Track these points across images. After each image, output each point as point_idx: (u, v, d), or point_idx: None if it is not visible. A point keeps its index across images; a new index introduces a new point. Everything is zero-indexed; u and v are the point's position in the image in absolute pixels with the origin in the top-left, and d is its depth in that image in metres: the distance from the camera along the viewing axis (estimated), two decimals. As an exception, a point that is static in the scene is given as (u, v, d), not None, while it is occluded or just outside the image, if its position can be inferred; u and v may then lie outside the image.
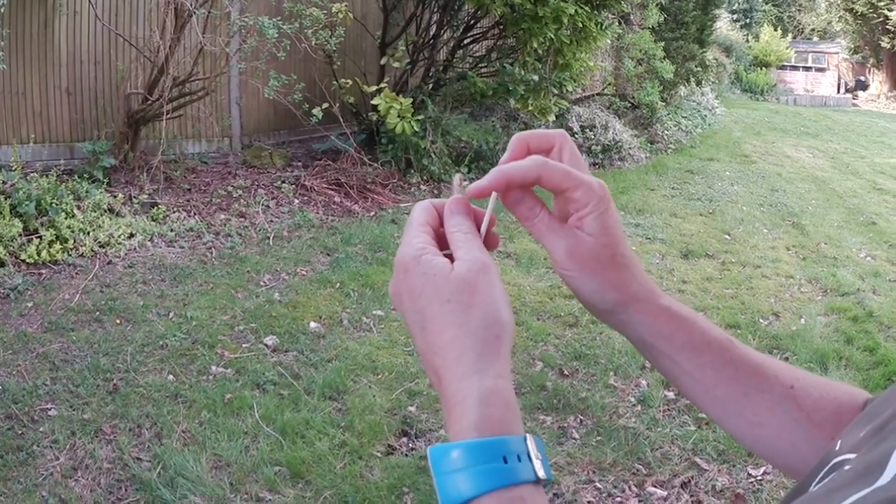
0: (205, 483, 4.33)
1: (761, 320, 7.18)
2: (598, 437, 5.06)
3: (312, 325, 6.43)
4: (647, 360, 1.04)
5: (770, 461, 1.02)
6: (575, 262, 0.95)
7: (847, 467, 0.74)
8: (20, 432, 4.65)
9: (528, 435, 0.79)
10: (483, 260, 0.86)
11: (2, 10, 7.55)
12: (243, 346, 6.00)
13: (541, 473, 0.77)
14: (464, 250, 0.87)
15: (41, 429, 4.69)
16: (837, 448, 0.81)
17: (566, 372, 5.95)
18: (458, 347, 0.81)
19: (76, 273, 6.96)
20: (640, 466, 4.79)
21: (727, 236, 9.88)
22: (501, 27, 11.61)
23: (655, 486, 4.61)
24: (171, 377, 5.43)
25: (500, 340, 0.82)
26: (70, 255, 7.17)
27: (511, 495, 0.75)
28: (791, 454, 0.96)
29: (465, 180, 0.95)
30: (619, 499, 4.51)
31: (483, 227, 0.92)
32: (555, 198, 0.98)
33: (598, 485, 4.59)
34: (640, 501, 4.49)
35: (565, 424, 5.21)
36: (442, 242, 0.89)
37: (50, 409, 4.91)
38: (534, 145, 0.98)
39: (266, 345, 6.03)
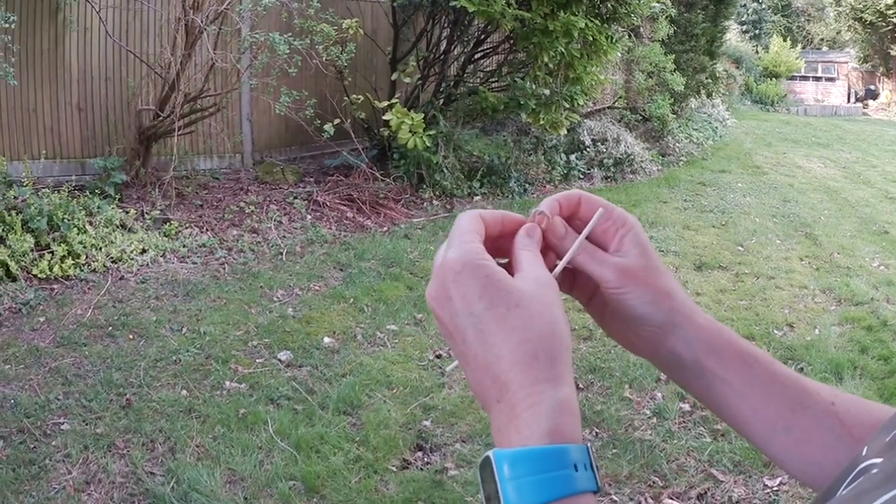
0: (219, 497, 4.31)
1: (776, 331, 7.13)
2: (614, 450, 5.03)
3: (326, 340, 6.40)
4: (690, 388, 1.01)
5: (814, 483, 0.97)
6: (627, 278, 0.94)
7: (875, 471, 0.73)
8: (32, 446, 4.63)
9: (589, 445, 0.79)
10: (549, 277, 0.86)
11: (12, 26, 7.56)
12: (257, 361, 5.98)
13: (600, 483, 0.77)
14: (532, 265, 0.87)
15: (54, 443, 4.68)
16: (864, 454, 0.79)
17: (581, 385, 5.92)
18: (529, 352, 0.79)
19: (88, 288, 6.96)
20: (657, 478, 4.75)
21: (740, 248, 9.83)
22: (512, 42, 11.59)
23: (672, 498, 4.57)
24: (184, 392, 5.41)
25: (568, 350, 0.81)
26: (82, 271, 7.18)
27: (579, 503, 0.74)
28: (836, 472, 0.93)
29: (541, 214, 0.96)
30: (636, 511, 4.48)
31: (561, 264, 0.94)
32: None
33: (614, 497, 4.56)
34: (657, 513, 4.46)
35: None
36: (491, 254, 0.87)
37: (62, 424, 4.89)
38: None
39: (280, 360, 6.01)
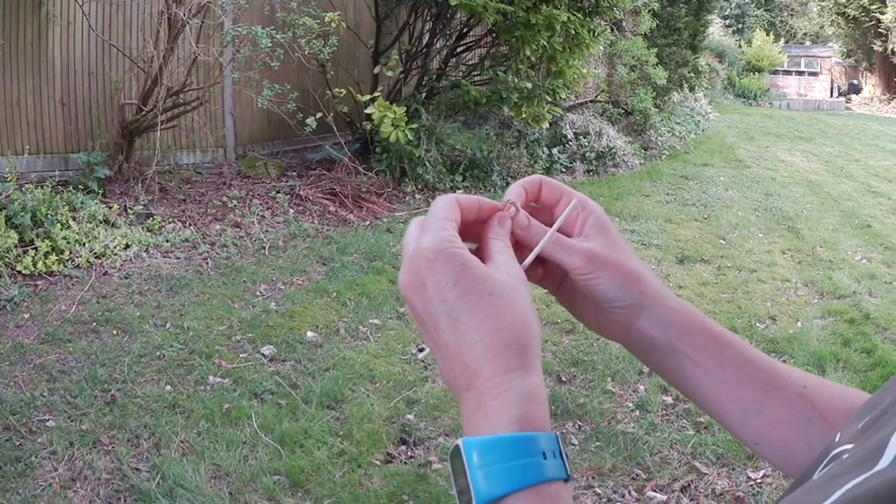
0: (204, 493, 4.32)
1: (758, 324, 7.18)
2: (597, 443, 5.06)
3: (309, 334, 6.42)
4: (662, 370, 1.01)
5: (786, 466, 0.98)
6: (594, 263, 0.95)
7: (846, 456, 0.73)
8: (18, 443, 4.63)
9: (558, 433, 0.79)
10: (519, 270, 0.88)
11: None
12: (240, 355, 5.99)
13: (570, 472, 0.78)
14: (504, 257, 0.88)
15: (39, 440, 4.68)
16: (837, 440, 0.80)
17: (564, 378, 5.95)
18: (502, 341, 0.79)
19: (72, 284, 6.96)
20: (640, 471, 4.78)
21: (722, 241, 9.88)
22: (494, 35, 11.59)
23: (655, 491, 4.60)
24: (168, 387, 5.42)
25: (538, 339, 0.82)
26: (66, 267, 7.17)
27: (549, 491, 0.74)
28: (808, 455, 0.94)
29: (512, 203, 0.96)
30: (618, 503, 4.51)
31: (531, 256, 0.94)
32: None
33: (597, 490, 4.59)
34: (639, 506, 4.49)
35: (564, 430, 5.20)
36: (463, 238, 0.88)
37: (48, 420, 4.90)
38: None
39: (263, 354, 6.02)
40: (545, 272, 1.02)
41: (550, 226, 0.97)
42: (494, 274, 0.83)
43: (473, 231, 0.93)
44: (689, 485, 4.66)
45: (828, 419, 0.95)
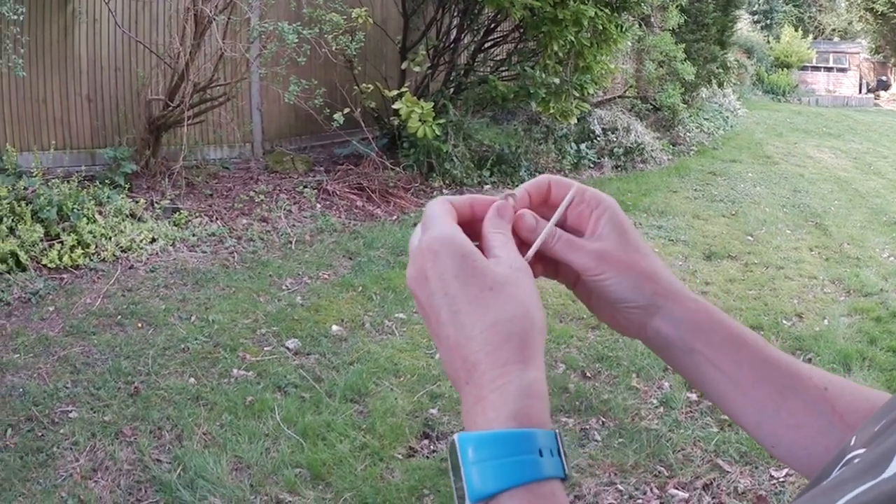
0: (225, 484, 4.32)
1: (784, 321, 7.12)
2: (620, 439, 5.02)
3: (334, 328, 6.41)
4: (679, 368, 1.00)
5: (804, 469, 0.96)
6: (605, 263, 0.93)
7: (857, 461, 0.72)
8: (40, 434, 4.65)
9: (557, 430, 0.77)
10: (523, 262, 0.86)
11: (21, 18, 7.57)
12: (265, 349, 6.00)
13: (568, 471, 0.76)
14: (506, 250, 0.86)
15: (62, 431, 4.70)
16: (852, 443, 0.78)
17: (588, 374, 5.92)
18: (502, 334, 0.78)
19: (98, 277, 6.99)
20: (662, 468, 4.75)
21: (750, 237, 9.82)
22: (521, 30, 11.59)
23: (677, 489, 4.56)
24: (192, 380, 5.43)
25: (541, 333, 0.81)
26: (92, 260, 7.20)
27: (544, 490, 0.73)
28: (826, 458, 0.90)
29: (510, 196, 0.95)
30: (640, 501, 4.46)
31: (532, 250, 0.92)
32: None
33: (619, 487, 4.55)
34: (661, 503, 4.45)
35: (587, 426, 5.17)
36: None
37: (71, 412, 4.91)
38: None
39: (288, 348, 6.02)
40: (559, 269, 1.00)
41: (565, 225, 0.96)
42: (496, 267, 0.82)
43: (470, 231, 0.90)
44: (712, 483, 4.62)
45: (848, 422, 0.92)
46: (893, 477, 0.62)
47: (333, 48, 9.68)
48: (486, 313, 0.79)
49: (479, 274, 0.81)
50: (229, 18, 8.97)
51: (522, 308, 0.80)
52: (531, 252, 0.92)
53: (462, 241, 0.83)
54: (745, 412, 0.96)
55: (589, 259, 0.93)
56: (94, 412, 4.93)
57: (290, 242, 8.38)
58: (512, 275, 0.82)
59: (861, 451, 0.74)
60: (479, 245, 0.89)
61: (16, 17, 7.47)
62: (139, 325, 6.19)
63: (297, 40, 8.95)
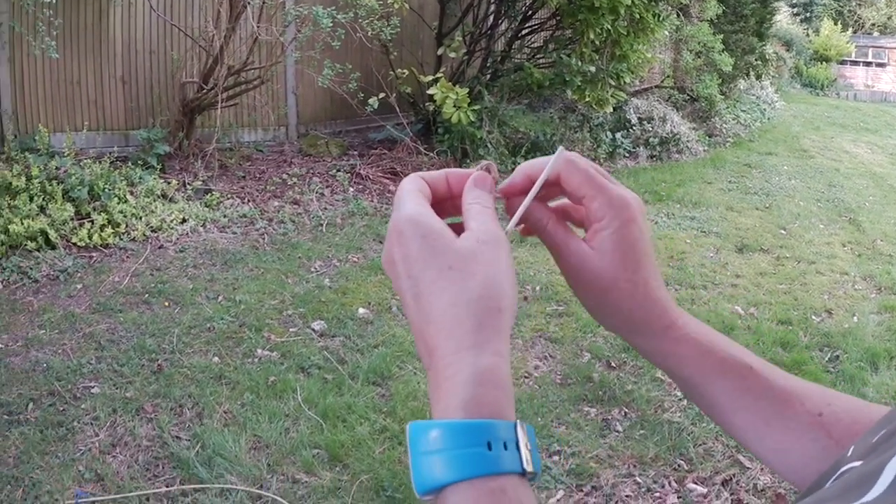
0: (242, 463, 4.34)
1: (813, 317, 7.03)
2: (642, 431, 4.98)
3: (361, 311, 6.42)
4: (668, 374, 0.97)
5: (802, 485, 0.90)
6: (584, 275, 0.90)
7: (846, 475, 0.70)
8: (62, 409, 4.70)
9: (518, 422, 0.72)
10: (496, 232, 0.81)
11: (54, 0, 7.63)
12: (290, 330, 6.01)
13: (528, 466, 0.70)
14: (478, 221, 0.82)
15: (83, 406, 4.74)
16: (849, 454, 0.76)
17: (613, 364, 5.88)
18: (455, 317, 0.74)
19: (127, 256, 7.04)
20: (682, 462, 4.71)
21: (783, 231, 9.72)
22: (558, 18, 11.53)
23: (696, 483, 4.53)
24: (216, 359, 5.46)
25: (501, 314, 0.76)
26: (122, 239, 7.27)
27: (491, 486, 0.68)
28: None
29: (494, 172, 0.90)
30: (658, 494, 4.43)
31: (514, 219, 0.89)
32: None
33: (637, 479, 4.52)
34: (679, 498, 4.40)
35: (609, 417, 5.14)
36: (438, 213, 0.83)
37: (93, 387, 4.96)
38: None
39: (313, 329, 6.04)
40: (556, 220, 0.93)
41: (579, 222, 0.93)
42: (458, 244, 0.78)
43: (451, 206, 0.89)
44: (731, 479, 4.58)
45: (844, 445, 0.86)
46: (874, 501, 0.60)
47: (369, 33, 9.68)
48: (441, 295, 0.76)
49: (439, 253, 0.77)
50: (264, 2, 9.00)
51: (479, 288, 0.76)
52: (513, 221, 0.88)
53: (425, 219, 0.80)
54: (733, 433, 0.95)
55: (568, 265, 0.91)
56: (117, 388, 4.97)
57: (321, 225, 8.39)
58: (476, 248, 0.78)
59: (856, 463, 0.72)
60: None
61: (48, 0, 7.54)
62: (166, 303, 6.23)
63: (331, 24, 8.97)
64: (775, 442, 0.90)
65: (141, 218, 7.58)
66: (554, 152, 0.89)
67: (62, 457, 4.25)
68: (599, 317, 0.93)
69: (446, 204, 0.88)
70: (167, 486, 4.13)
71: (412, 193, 0.84)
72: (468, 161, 10.75)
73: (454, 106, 9.84)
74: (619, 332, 0.94)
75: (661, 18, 11.66)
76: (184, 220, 7.85)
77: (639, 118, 13.72)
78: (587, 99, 11.42)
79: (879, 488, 0.61)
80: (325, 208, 8.92)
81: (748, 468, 4.67)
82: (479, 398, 0.71)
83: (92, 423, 4.58)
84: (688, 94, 15.65)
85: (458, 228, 0.82)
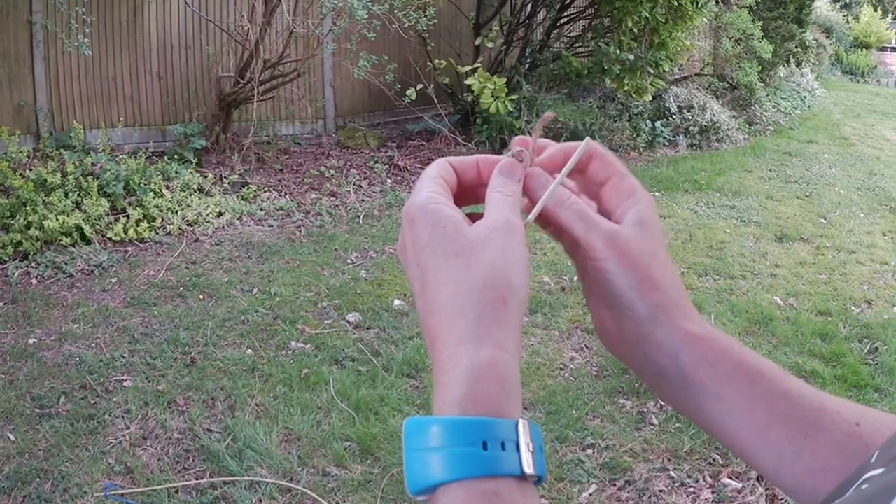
0: (273, 455, 4.33)
1: (853, 308, 6.91)
2: (677, 424, 4.91)
3: (396, 302, 6.40)
4: (677, 404, 0.87)
5: None
6: (613, 249, 0.81)
7: (864, 486, 0.65)
8: (93, 402, 4.72)
9: (521, 420, 0.67)
10: (509, 219, 0.77)
11: (87, -2, 7.71)
12: (325, 322, 6.00)
13: (528, 468, 0.66)
14: (494, 209, 0.78)
15: (115, 399, 4.76)
16: (873, 460, 0.70)
17: (652, 355, 5.82)
18: (456, 307, 0.71)
19: (162, 250, 7.08)
20: (717, 456, 4.63)
21: (823, 220, 9.59)
22: (596, 6, 11.50)
23: (731, 478, 4.46)
24: (249, 351, 5.46)
25: (506, 305, 0.71)
26: (157, 234, 7.32)
27: (484, 488, 0.64)
28: None
29: (520, 151, 0.86)
30: (692, 489, 4.37)
31: (535, 210, 0.83)
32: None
33: (672, 473, 4.46)
34: (713, 493, 4.34)
35: (645, 409, 5.08)
36: (458, 201, 0.82)
37: (125, 381, 4.98)
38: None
39: (348, 321, 6.03)
40: (564, 238, 0.88)
41: (599, 209, 0.88)
42: (468, 231, 0.75)
43: (481, 194, 0.84)
44: (766, 474, 4.50)
45: None
46: None
47: (405, 24, 9.66)
48: (446, 284, 0.72)
49: (447, 241, 0.74)
50: (299, -5, 9.01)
51: (486, 276, 0.72)
52: (534, 213, 0.83)
53: (436, 206, 0.77)
54: (761, 455, 0.82)
55: (598, 238, 0.82)
56: (149, 381, 4.99)
57: (358, 217, 8.39)
58: (486, 236, 0.74)
59: (878, 471, 0.66)
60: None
61: (80, -4, 7.61)
62: (201, 296, 6.24)
63: (366, 16, 8.95)
64: (813, 457, 0.79)
65: (177, 212, 7.62)
66: (595, 140, 0.87)
67: (92, 450, 4.27)
68: (633, 295, 0.82)
69: (479, 191, 0.85)
70: (196, 479, 4.13)
71: (430, 179, 0.81)
72: (506, 151, 10.72)
73: (492, 96, 9.81)
74: (633, 326, 0.84)
75: (699, 5, 11.57)
76: (220, 214, 7.88)
77: (678, 106, 13.62)
78: (626, 88, 11.34)
79: None
80: (363, 200, 8.92)
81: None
82: (476, 394, 0.67)
83: (123, 417, 4.60)
84: (727, 82, 15.51)
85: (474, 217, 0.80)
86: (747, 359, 0.83)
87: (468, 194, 0.85)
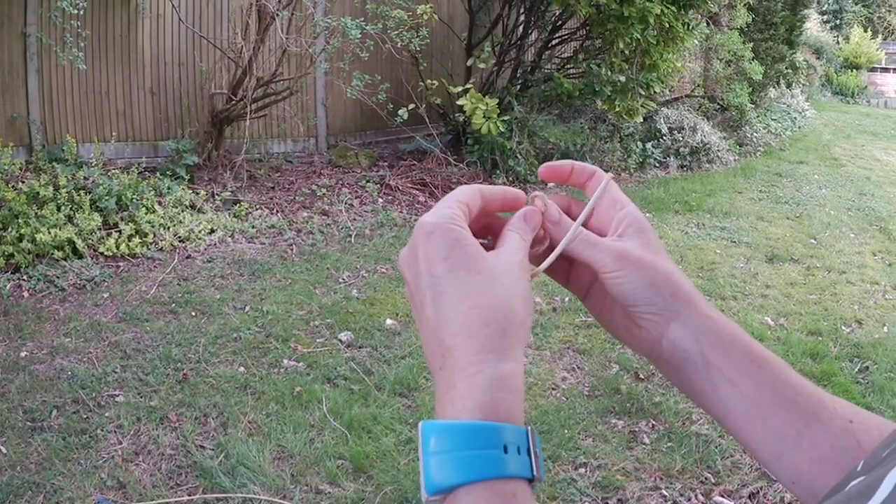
0: (266, 473, 4.32)
1: (843, 327, 6.95)
2: (669, 443, 4.92)
3: (388, 321, 6.40)
4: (694, 389, 0.91)
5: None
6: (624, 262, 0.88)
7: (848, 488, 0.68)
8: (85, 416, 4.71)
9: (530, 428, 0.73)
10: (524, 262, 0.83)
11: (81, 12, 7.70)
12: (317, 340, 6.00)
13: (537, 472, 0.71)
14: (511, 246, 0.84)
15: (107, 414, 4.75)
16: (859, 468, 0.73)
17: (642, 376, 5.82)
18: (481, 318, 0.75)
19: (154, 266, 7.07)
20: (709, 475, 4.64)
21: (813, 241, 9.64)
22: (587, 28, 11.57)
23: (723, 496, 4.46)
24: (241, 369, 5.45)
25: (523, 326, 0.77)
26: (149, 249, 7.32)
27: (504, 489, 0.68)
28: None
29: (539, 198, 0.92)
30: (683, 508, 4.39)
31: (557, 250, 0.90)
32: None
33: (664, 492, 4.46)
34: (705, 511, 4.36)
35: (636, 429, 5.09)
36: (475, 231, 0.84)
37: (118, 396, 4.96)
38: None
39: (340, 340, 6.02)
40: (571, 274, 0.99)
41: (588, 224, 0.94)
42: (489, 256, 0.80)
43: (497, 224, 0.90)
44: (758, 492, 4.51)
45: None
46: None
47: (398, 44, 9.69)
48: (467, 296, 0.76)
49: (468, 259, 0.78)
50: (293, 14, 9.03)
51: (506, 297, 0.77)
52: (555, 253, 0.90)
53: (458, 225, 0.80)
54: (765, 441, 0.87)
55: (608, 256, 0.89)
56: (141, 397, 4.98)
57: (350, 236, 8.40)
58: (504, 266, 0.80)
59: (862, 478, 0.69)
60: (493, 242, 0.88)
61: (76, 11, 7.60)
62: (193, 313, 6.23)
63: (359, 35, 9.00)
64: (812, 446, 0.84)
65: (169, 228, 7.62)
66: (584, 161, 0.92)
67: (84, 464, 4.25)
68: (650, 294, 0.89)
69: (491, 220, 0.90)
70: (189, 495, 4.12)
71: (455, 203, 0.84)
72: (498, 172, 10.74)
73: (484, 117, 9.85)
74: (656, 319, 0.90)
75: (690, 27, 11.65)
76: (212, 231, 7.87)
77: (669, 128, 13.70)
78: (617, 109, 11.43)
79: (879, 498, 0.60)
80: (354, 219, 8.92)
81: (775, 481, 4.60)
82: (497, 402, 0.71)
83: (115, 431, 4.58)
84: (718, 104, 15.60)
85: (485, 248, 0.83)
86: (754, 345, 0.89)
87: (483, 222, 0.89)
